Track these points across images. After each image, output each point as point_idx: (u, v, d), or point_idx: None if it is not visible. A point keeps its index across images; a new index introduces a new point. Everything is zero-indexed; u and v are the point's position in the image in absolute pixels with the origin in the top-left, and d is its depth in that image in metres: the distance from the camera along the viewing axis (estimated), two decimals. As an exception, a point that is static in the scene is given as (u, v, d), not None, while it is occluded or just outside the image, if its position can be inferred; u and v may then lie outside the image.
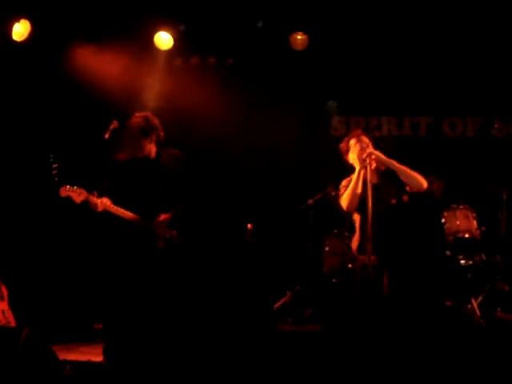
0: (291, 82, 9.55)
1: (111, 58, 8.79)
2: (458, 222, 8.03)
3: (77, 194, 6.10)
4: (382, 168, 6.31)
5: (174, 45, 9.02)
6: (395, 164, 6.17)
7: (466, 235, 8.02)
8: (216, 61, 9.50)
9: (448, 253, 8.02)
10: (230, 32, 9.19)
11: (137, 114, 6.44)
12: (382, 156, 6.20)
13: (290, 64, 9.45)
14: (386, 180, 6.25)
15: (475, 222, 8.06)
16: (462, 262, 8.04)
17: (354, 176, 6.20)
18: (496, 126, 9.28)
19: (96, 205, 6.13)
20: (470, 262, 8.03)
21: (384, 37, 9.05)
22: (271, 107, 9.37)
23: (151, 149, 6.42)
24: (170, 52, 9.15)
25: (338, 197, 8.44)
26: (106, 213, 6.21)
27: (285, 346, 5.64)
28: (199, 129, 9.15)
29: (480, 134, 9.53)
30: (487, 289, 7.98)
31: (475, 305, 7.67)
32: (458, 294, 7.80)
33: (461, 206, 8.14)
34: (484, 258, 8.07)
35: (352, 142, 6.37)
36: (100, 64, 8.79)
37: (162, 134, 6.46)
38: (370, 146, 6.27)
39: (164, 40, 8.97)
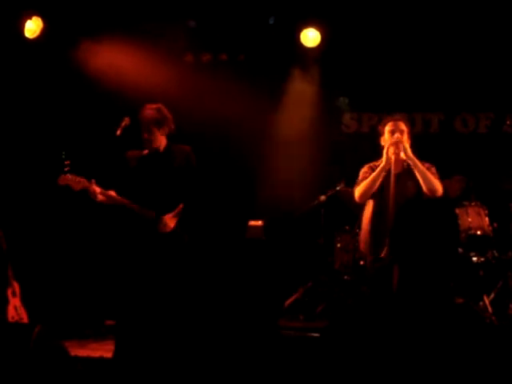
0: (302, 79, 9.54)
1: (123, 54, 8.80)
2: (469, 219, 8.01)
3: (76, 183, 6.10)
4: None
5: (185, 41, 9.05)
6: (417, 163, 5.99)
7: (478, 232, 7.99)
8: (228, 57, 9.51)
9: (460, 250, 8.00)
10: (241, 28, 9.20)
11: (149, 105, 6.42)
12: (408, 150, 6.00)
13: (301, 61, 9.44)
14: (409, 171, 6.05)
15: (487, 219, 8.04)
16: (474, 259, 8.02)
17: (379, 168, 6.02)
18: (508, 122, 9.25)
19: (95, 194, 6.13)
20: (482, 259, 8.01)
21: (395, 33, 9.04)
22: (282, 103, 9.38)
23: (162, 141, 6.38)
24: (181, 48, 9.17)
25: (349, 193, 8.49)
26: (108, 204, 6.23)
27: (294, 342, 5.64)
28: (210, 124, 9.14)
29: (492, 131, 9.50)
30: (499, 286, 7.97)
31: (487, 302, 7.66)
32: (470, 291, 7.78)
33: (472, 203, 8.11)
34: (496, 254, 8.05)
35: (387, 127, 6.14)
36: (112, 61, 8.81)
37: (173, 126, 6.42)
38: (405, 134, 6.08)
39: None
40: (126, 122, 6.39)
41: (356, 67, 9.47)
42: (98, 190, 6.12)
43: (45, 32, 8.46)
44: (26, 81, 8.73)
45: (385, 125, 6.19)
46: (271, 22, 9.08)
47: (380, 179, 6.00)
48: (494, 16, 8.72)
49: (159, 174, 6.32)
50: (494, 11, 8.68)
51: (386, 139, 6.11)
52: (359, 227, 8.65)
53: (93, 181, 6.12)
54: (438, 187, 5.98)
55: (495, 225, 8.08)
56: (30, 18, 8.38)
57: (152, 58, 8.99)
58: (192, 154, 6.43)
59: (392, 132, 6.07)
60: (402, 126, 6.13)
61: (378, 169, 6.03)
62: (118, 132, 6.31)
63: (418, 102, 9.43)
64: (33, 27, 8.44)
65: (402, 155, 6.01)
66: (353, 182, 6.37)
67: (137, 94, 8.71)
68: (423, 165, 6.06)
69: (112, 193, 6.19)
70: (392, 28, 9.01)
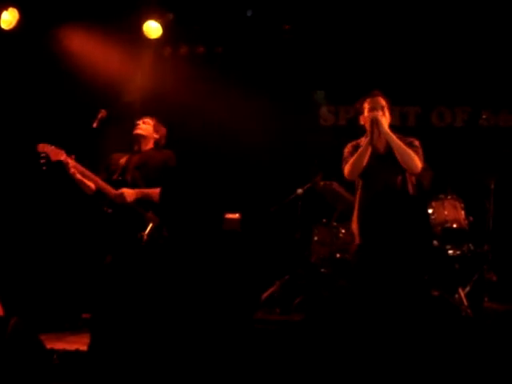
0: (279, 72, 9.54)
1: (101, 46, 8.77)
2: (445, 212, 8.03)
3: (53, 153, 6.16)
4: None
5: (162, 34, 9.00)
6: (393, 137, 5.86)
7: (454, 225, 8.01)
8: (205, 50, 9.49)
9: (436, 243, 8.02)
10: (219, 21, 9.18)
11: (146, 119, 6.58)
12: (385, 125, 5.89)
13: (278, 53, 9.44)
14: (392, 153, 5.91)
15: (463, 212, 8.06)
16: (450, 252, 8.05)
17: (365, 143, 5.89)
18: (484, 116, 9.29)
19: (69, 166, 6.18)
20: (458, 252, 8.03)
21: (372, 26, 9.05)
22: (259, 97, 9.36)
23: (148, 144, 6.62)
24: (158, 41, 9.13)
25: (326, 186, 8.50)
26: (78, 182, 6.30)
27: (271, 335, 5.65)
28: (187, 118, 9.13)
29: (468, 124, 9.54)
30: (475, 279, 8.00)
31: (462, 295, 7.69)
32: (446, 284, 7.82)
33: (449, 196, 8.14)
34: (472, 248, 8.08)
35: (366, 104, 6.03)
36: (89, 52, 8.77)
37: (163, 141, 6.62)
38: (385, 110, 5.99)
39: (153, 29, 8.95)
40: (102, 114, 6.44)
41: (333, 60, 9.48)
42: (72, 163, 6.18)
43: (21, 23, 8.40)
44: (3, 72, 8.67)
45: (363, 102, 6.10)
46: (249, 14, 9.06)
47: (367, 155, 5.86)
48: (471, 11, 8.75)
49: (137, 172, 6.40)
50: (472, 7, 8.71)
51: (365, 117, 6.01)
52: (337, 220, 8.71)
53: (72, 156, 6.19)
54: (416, 163, 5.87)
55: (471, 218, 8.11)
56: (6, 9, 8.32)
57: (129, 50, 8.96)
58: (172, 158, 6.53)
59: (371, 109, 5.98)
60: (382, 102, 6.04)
61: (364, 144, 5.91)
62: (95, 124, 6.35)
63: (394, 95, 9.40)
64: (9, 18, 8.39)
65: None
66: (330, 175, 6.38)
67: (113, 85, 8.72)
68: (406, 139, 5.97)
69: (85, 169, 6.25)
70: (369, 21, 9.01)
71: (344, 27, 9.10)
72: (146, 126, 6.61)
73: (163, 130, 6.72)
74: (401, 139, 5.96)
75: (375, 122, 5.86)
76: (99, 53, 8.74)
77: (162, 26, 8.92)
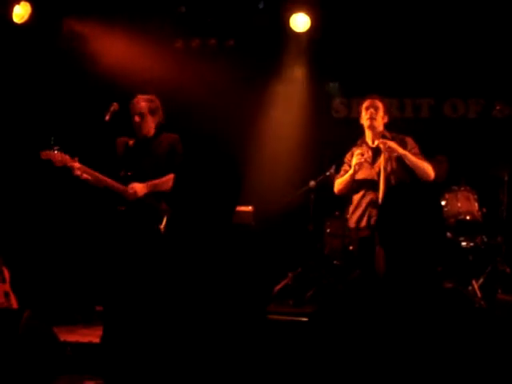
0: (292, 64, 9.51)
1: (112, 39, 8.77)
2: (459, 204, 8.02)
3: (58, 158, 6.16)
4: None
5: (174, 27, 9.03)
6: (408, 156, 6.15)
7: (468, 217, 8.01)
8: (217, 42, 9.48)
9: (449, 235, 8.01)
10: (230, 13, 9.16)
11: (142, 96, 6.51)
12: (398, 148, 6.17)
13: (291, 45, 9.42)
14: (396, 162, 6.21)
15: (476, 204, 8.06)
16: (463, 243, 8.05)
17: (347, 175, 6.29)
18: (497, 107, 9.25)
19: (75, 169, 6.18)
20: (471, 244, 8.03)
21: (385, 18, 9.02)
22: (271, 89, 9.35)
23: (151, 129, 6.50)
24: (170, 33, 9.15)
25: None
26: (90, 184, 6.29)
27: (283, 327, 5.65)
28: (198, 111, 9.12)
29: (482, 116, 9.51)
30: (488, 271, 7.99)
31: (476, 287, 7.69)
32: (459, 275, 7.81)
33: (462, 188, 8.13)
34: (485, 239, 8.08)
35: (364, 104, 6.39)
36: (101, 46, 8.78)
37: (163, 117, 6.53)
38: (380, 111, 6.27)
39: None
40: (114, 107, 6.44)
41: (346, 52, 9.46)
42: (77, 165, 6.17)
43: (33, 17, 8.41)
44: (15, 66, 8.69)
45: (361, 103, 6.44)
46: (261, 6, 9.04)
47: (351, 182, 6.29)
48: (482, 2, 8.72)
49: (144, 159, 6.38)
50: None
51: (362, 117, 6.39)
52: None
53: (76, 158, 6.18)
54: (430, 173, 6.17)
55: (484, 210, 8.10)
56: (18, 3, 8.33)
57: (141, 43, 8.96)
58: (179, 142, 6.49)
59: (367, 108, 6.32)
60: (377, 104, 6.33)
61: (347, 176, 6.33)
62: (107, 117, 6.35)
63: (408, 87, 9.43)
64: (21, 12, 8.40)
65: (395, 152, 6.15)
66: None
67: (126, 79, 8.71)
68: (398, 137, 6.30)
69: (92, 171, 6.24)
70: (382, 13, 8.98)
71: (357, 19, 9.07)
72: (139, 119, 6.49)
73: (160, 110, 6.61)
74: (395, 138, 6.30)
75: (387, 148, 6.11)
76: (111, 46, 8.75)
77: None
